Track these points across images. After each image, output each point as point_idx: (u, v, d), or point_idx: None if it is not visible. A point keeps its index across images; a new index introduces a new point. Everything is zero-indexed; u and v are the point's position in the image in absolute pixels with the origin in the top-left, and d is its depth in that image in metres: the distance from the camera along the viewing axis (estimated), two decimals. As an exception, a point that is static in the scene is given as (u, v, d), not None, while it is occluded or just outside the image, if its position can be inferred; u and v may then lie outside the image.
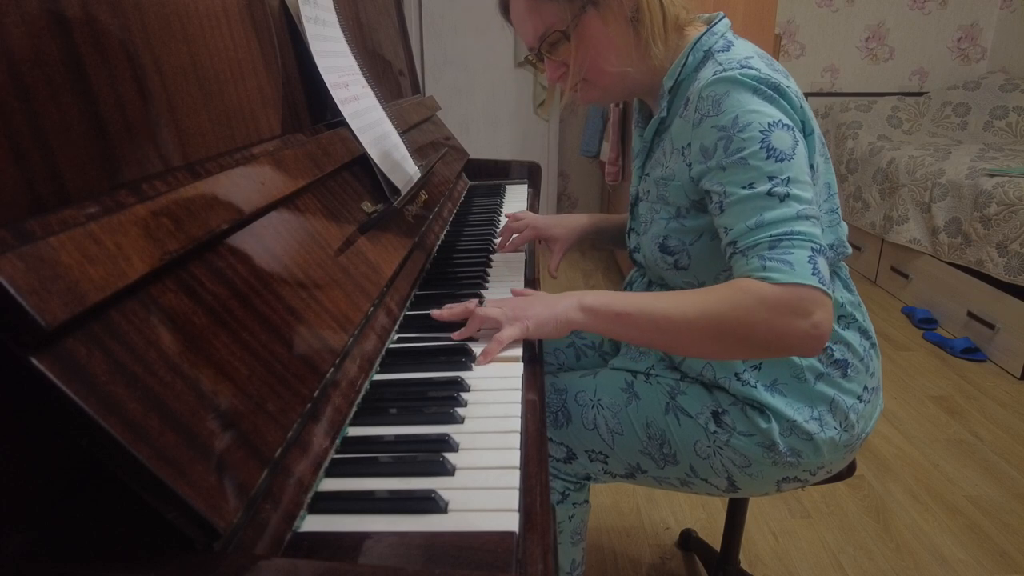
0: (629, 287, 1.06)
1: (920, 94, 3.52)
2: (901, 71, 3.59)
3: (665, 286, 0.96)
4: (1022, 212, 2.22)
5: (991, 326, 2.31)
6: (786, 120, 0.75)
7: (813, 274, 0.70)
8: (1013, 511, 1.58)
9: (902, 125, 3.38)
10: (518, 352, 0.79)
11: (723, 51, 0.82)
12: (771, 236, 0.72)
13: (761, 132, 0.73)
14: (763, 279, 0.70)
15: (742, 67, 0.77)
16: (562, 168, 3.73)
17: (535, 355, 0.82)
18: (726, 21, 0.86)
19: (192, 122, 0.64)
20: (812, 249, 0.71)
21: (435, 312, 0.85)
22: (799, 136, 0.76)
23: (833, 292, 0.74)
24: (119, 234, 0.46)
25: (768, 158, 0.73)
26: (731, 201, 0.75)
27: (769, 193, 0.72)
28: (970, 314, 2.42)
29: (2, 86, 0.43)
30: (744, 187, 0.74)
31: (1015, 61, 3.37)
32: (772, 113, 0.74)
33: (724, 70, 0.77)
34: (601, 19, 0.82)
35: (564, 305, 0.80)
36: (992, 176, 2.40)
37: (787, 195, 0.72)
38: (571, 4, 0.82)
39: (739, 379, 0.87)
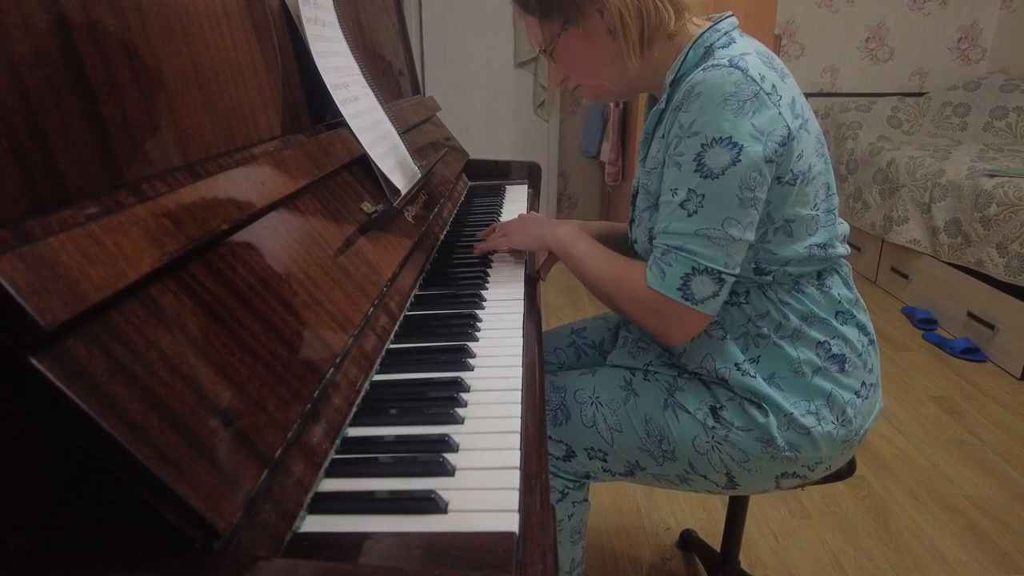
0: None
1: (920, 94, 3.52)
2: (901, 71, 3.59)
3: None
4: (1022, 212, 2.22)
5: (991, 326, 2.31)
6: (738, 138, 0.76)
7: (679, 289, 0.80)
8: (1013, 511, 1.58)
9: (902, 125, 3.38)
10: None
11: (723, 47, 0.82)
12: (666, 245, 0.81)
13: (702, 145, 0.77)
14: (647, 276, 0.83)
15: (732, 65, 0.77)
16: (562, 168, 3.73)
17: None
18: (733, 20, 0.87)
19: (192, 122, 0.64)
20: (693, 268, 0.80)
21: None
22: (748, 157, 0.76)
23: (711, 310, 0.82)
24: (119, 234, 0.46)
25: (696, 171, 0.78)
26: (661, 201, 0.84)
27: (682, 205, 0.80)
28: (970, 314, 2.42)
29: (2, 86, 0.43)
30: (671, 189, 0.81)
31: (1015, 61, 3.37)
32: (725, 128, 0.76)
33: (713, 65, 0.78)
34: (583, 35, 0.87)
35: (544, 230, 1.02)
36: (992, 176, 2.40)
37: (695, 212, 0.79)
38: (551, 25, 0.88)
39: (739, 369, 0.88)
